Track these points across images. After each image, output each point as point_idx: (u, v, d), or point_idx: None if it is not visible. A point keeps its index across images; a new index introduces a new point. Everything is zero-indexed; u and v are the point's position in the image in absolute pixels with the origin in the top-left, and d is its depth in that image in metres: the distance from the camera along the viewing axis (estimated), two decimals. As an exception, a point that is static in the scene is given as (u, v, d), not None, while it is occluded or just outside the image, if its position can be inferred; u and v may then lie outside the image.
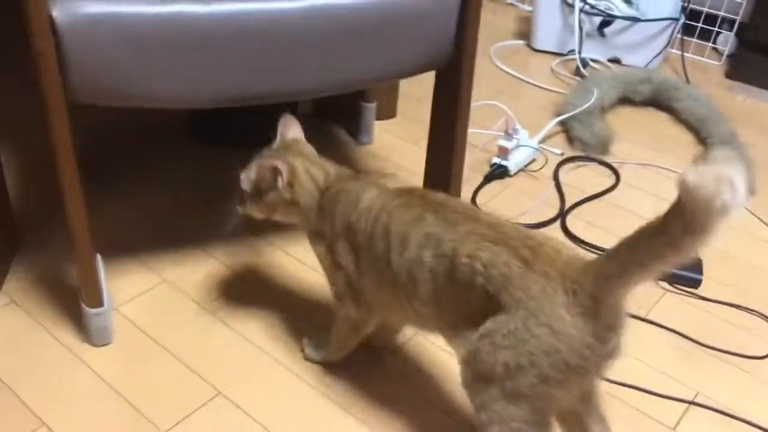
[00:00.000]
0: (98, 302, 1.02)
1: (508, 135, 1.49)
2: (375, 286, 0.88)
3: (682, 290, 1.22)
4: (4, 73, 1.58)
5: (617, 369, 1.04)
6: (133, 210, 1.31)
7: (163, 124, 1.56)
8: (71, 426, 0.93)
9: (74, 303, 1.09)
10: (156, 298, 1.14)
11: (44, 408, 0.95)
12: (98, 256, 1.03)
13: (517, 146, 1.49)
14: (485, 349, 0.74)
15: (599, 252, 1.29)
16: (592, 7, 1.91)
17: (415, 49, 0.99)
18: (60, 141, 0.89)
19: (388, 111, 1.62)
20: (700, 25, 2.04)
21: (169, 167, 1.43)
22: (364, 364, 1.03)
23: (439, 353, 1.06)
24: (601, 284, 0.70)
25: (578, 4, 1.90)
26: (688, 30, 2.02)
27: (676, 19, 1.92)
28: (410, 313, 0.85)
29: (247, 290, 1.16)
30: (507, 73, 1.91)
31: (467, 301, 0.77)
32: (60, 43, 0.83)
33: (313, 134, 1.57)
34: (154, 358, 1.03)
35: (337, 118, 1.60)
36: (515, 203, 1.41)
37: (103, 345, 1.04)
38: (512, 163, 1.48)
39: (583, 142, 1.58)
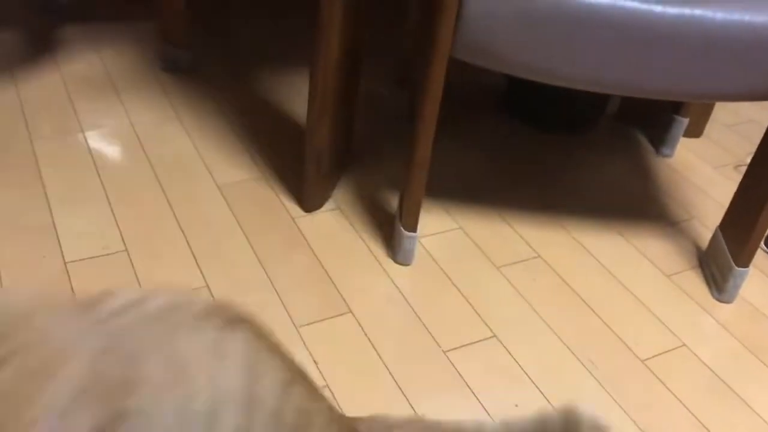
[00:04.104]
0: (413, 228, 1.18)
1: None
2: None
3: None
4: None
5: None
6: (446, 162, 1.47)
7: (484, 95, 1.71)
8: (370, 317, 1.10)
9: (388, 222, 1.27)
10: (451, 240, 1.28)
11: (351, 298, 1.13)
12: (421, 190, 1.19)
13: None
14: None
15: None
16: None
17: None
18: (432, 85, 1.05)
19: (695, 130, 1.62)
20: None
21: (480, 131, 1.57)
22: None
23: (703, 369, 1.08)
24: None
25: None
26: None
27: None
28: None
29: (539, 266, 1.26)
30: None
31: None
32: (464, 2, 0.97)
33: (613, 135, 1.63)
34: (442, 287, 1.18)
35: (642, 124, 1.63)
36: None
37: (405, 264, 1.21)
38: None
39: None
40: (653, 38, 0.97)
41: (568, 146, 1.56)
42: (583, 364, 1.08)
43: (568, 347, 1.10)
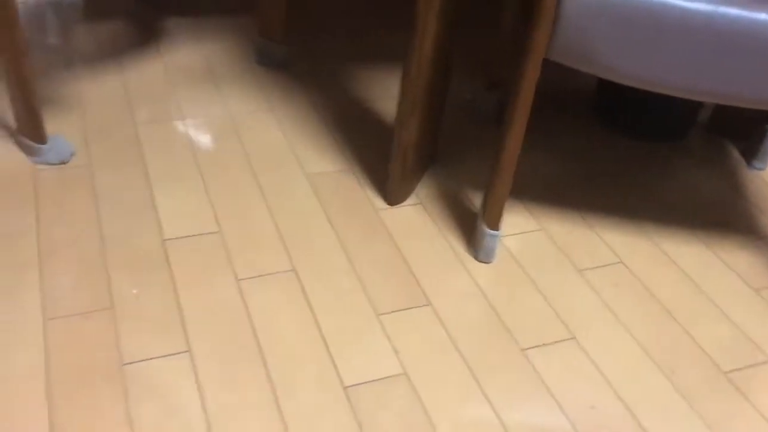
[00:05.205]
0: (495, 227, 1.19)
1: None
2: None
3: None
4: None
5: None
6: (530, 163, 1.47)
7: (573, 98, 1.70)
8: (450, 311, 1.12)
9: (469, 220, 1.29)
10: (532, 240, 1.29)
11: (431, 291, 1.16)
12: (505, 189, 1.20)
13: None
14: None
15: None
16: None
17: None
18: (525, 86, 1.06)
19: (790, 144, 1.57)
20: None
21: (567, 135, 1.57)
22: (711, 366, 1.08)
23: None
24: None
25: None
26: None
27: None
28: None
29: (625, 270, 1.26)
30: None
31: None
32: (561, 2, 0.98)
33: (703, 146, 1.60)
34: (522, 286, 1.19)
35: (734, 136, 1.60)
36: None
37: (485, 262, 1.22)
38: None
39: None
40: (754, 45, 0.96)
41: (657, 154, 1.54)
42: (662, 370, 1.07)
43: (647, 353, 1.10)
